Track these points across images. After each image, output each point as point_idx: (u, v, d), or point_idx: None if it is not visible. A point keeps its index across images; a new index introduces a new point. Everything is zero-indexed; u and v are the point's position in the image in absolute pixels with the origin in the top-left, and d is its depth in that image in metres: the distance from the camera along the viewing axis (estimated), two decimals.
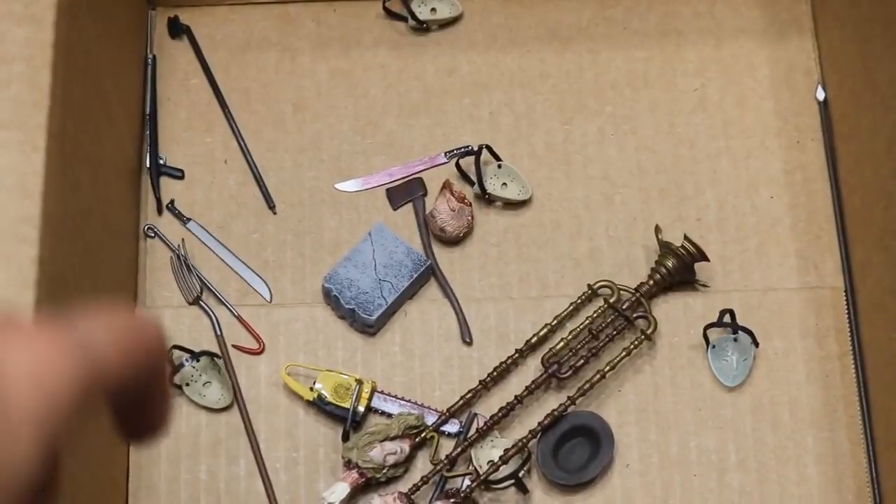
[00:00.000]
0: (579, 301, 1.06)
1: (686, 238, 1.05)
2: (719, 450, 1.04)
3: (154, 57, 1.15)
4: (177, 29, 1.16)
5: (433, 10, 1.15)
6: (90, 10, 0.95)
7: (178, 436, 1.04)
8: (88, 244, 0.96)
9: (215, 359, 1.04)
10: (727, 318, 1.05)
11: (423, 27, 1.16)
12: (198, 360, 1.03)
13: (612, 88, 1.15)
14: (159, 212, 1.10)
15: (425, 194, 1.11)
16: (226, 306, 1.07)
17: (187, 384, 1.03)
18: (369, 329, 1.06)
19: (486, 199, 1.10)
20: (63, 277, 0.86)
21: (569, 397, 1.02)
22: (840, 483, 1.03)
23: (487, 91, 1.15)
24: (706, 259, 1.05)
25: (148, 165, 1.12)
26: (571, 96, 1.15)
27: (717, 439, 1.04)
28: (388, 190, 1.12)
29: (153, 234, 1.09)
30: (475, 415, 1.04)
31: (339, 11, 1.17)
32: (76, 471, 0.89)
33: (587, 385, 1.03)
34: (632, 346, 1.04)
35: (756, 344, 1.05)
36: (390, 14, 1.16)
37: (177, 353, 1.03)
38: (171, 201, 1.11)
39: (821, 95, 1.14)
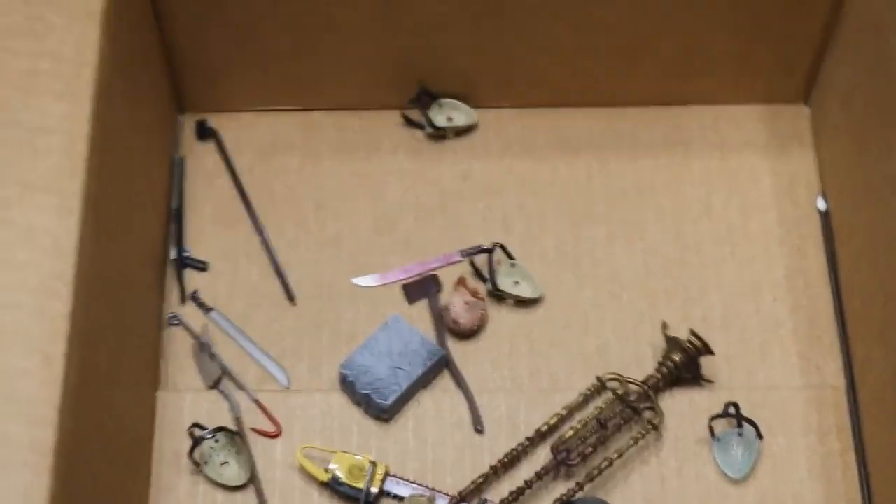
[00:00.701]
0: (588, 393, 1.08)
1: (692, 332, 1.08)
2: None
3: (182, 157, 1.19)
4: (205, 132, 1.20)
5: (450, 118, 1.20)
6: (123, 105, 0.99)
7: None
8: (117, 321, 0.98)
9: (234, 438, 1.06)
10: (732, 410, 1.06)
11: (440, 134, 1.20)
12: (216, 439, 1.05)
13: (621, 195, 1.18)
14: (182, 301, 1.13)
15: (440, 290, 1.14)
16: (244, 391, 1.10)
17: (206, 462, 1.05)
18: (383, 415, 1.08)
19: (498, 295, 1.13)
20: (92, 335, 0.88)
21: (577, 483, 1.04)
22: None
23: (501, 195, 1.18)
24: (711, 353, 1.08)
25: (173, 257, 1.15)
26: (581, 202, 1.18)
27: None
28: (404, 285, 1.14)
29: (177, 322, 1.12)
30: (485, 500, 1.05)
31: (360, 119, 1.21)
32: None
33: (595, 472, 1.04)
34: (639, 436, 1.06)
35: (760, 437, 1.06)
36: (409, 122, 1.20)
37: (197, 430, 1.05)
38: (195, 291, 1.14)
39: (822, 205, 1.17)
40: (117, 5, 0.96)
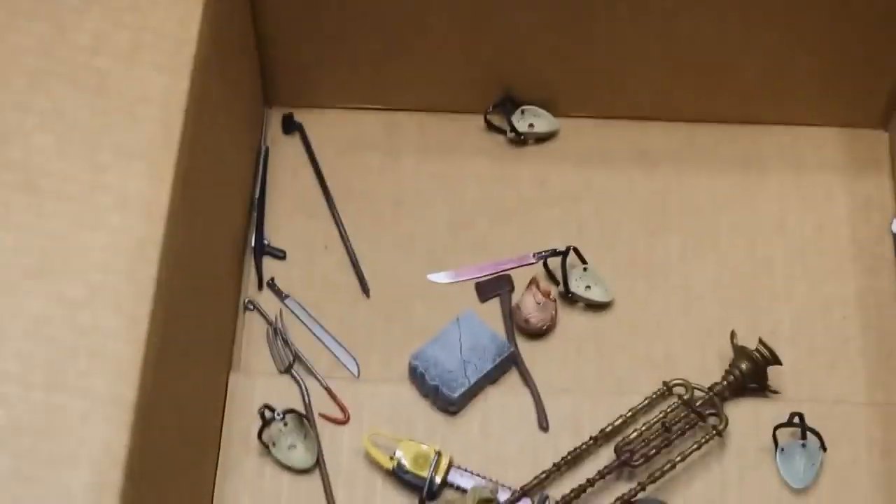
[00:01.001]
0: (654, 396, 1.09)
1: (761, 341, 1.09)
2: None
3: (267, 148, 1.21)
4: (290, 126, 1.23)
5: (531, 125, 1.21)
6: (217, 87, 1.01)
7: (261, 494, 1.07)
8: (197, 298, 1.00)
9: (302, 421, 1.07)
10: (797, 420, 1.07)
11: (520, 140, 1.22)
12: (285, 422, 1.07)
13: (696, 209, 1.20)
14: (259, 287, 1.16)
15: (512, 290, 1.16)
16: (315, 377, 1.11)
17: (274, 444, 1.07)
18: (451, 408, 1.10)
19: (569, 298, 1.15)
20: (175, 304, 0.90)
21: (639, 483, 1.05)
22: None
23: (577, 202, 1.20)
24: (779, 363, 1.08)
25: (253, 244, 1.17)
26: (656, 213, 1.19)
27: None
28: (477, 283, 1.16)
29: (252, 308, 1.15)
30: (547, 496, 1.06)
31: (442, 121, 1.23)
32: None
33: (658, 474, 1.05)
34: (702, 441, 1.06)
35: (824, 448, 1.07)
36: (491, 126, 1.22)
37: (267, 412, 1.07)
38: (272, 279, 1.16)
39: None
40: None
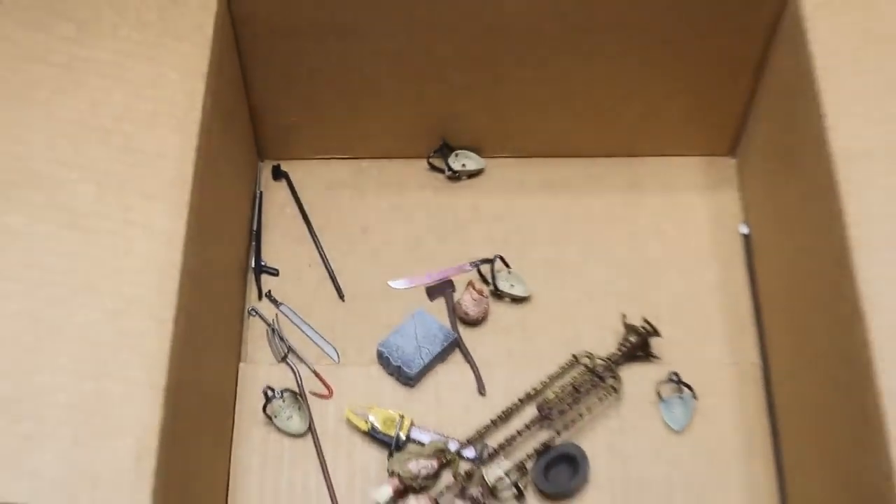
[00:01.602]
0: (566, 366, 1.10)
1: (644, 320, 1.11)
2: (667, 476, 1.06)
3: (261, 192, 1.22)
4: (279, 174, 1.23)
5: (464, 164, 1.22)
6: (219, 144, 1.01)
7: (267, 454, 1.07)
8: (211, 306, 1.01)
9: (297, 397, 1.08)
10: (674, 378, 1.09)
11: (456, 177, 1.22)
12: (283, 399, 1.08)
13: (592, 223, 1.20)
14: (259, 298, 1.16)
15: (454, 291, 1.16)
16: (305, 364, 1.12)
17: (275, 416, 1.07)
18: (410, 382, 1.10)
19: (498, 294, 1.15)
20: (194, 311, 0.91)
21: (556, 431, 1.06)
22: (757, 500, 1.05)
23: (501, 222, 1.20)
24: (659, 335, 1.10)
25: (253, 266, 1.18)
26: (562, 227, 1.20)
27: (666, 469, 1.06)
28: (427, 287, 1.17)
29: (254, 314, 1.15)
30: (486, 444, 1.07)
31: (395, 165, 1.23)
32: (192, 474, 0.93)
33: (570, 424, 1.07)
34: (604, 397, 1.08)
35: (696, 398, 1.08)
36: (433, 167, 1.23)
37: (269, 391, 1.08)
38: (269, 291, 1.16)
39: (744, 230, 1.19)
40: (217, 69, 0.99)
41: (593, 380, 1.09)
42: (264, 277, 1.18)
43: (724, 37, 1.08)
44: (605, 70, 1.13)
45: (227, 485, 1.06)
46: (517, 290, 1.16)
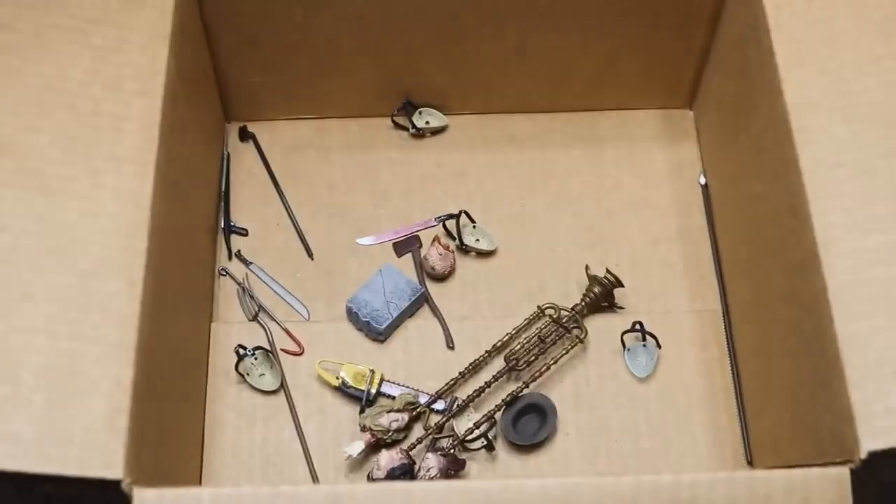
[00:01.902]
0: (532, 318, 1.11)
1: (608, 270, 1.11)
2: (633, 423, 1.07)
3: (229, 153, 1.22)
4: (245, 135, 1.23)
5: (427, 122, 1.22)
6: (184, 106, 1.01)
7: (240, 412, 1.07)
8: (181, 266, 1.01)
9: (269, 355, 1.08)
10: (638, 327, 1.09)
11: (419, 134, 1.22)
12: (255, 357, 1.08)
13: (555, 176, 1.21)
14: (230, 258, 1.16)
15: (420, 246, 1.17)
16: (276, 322, 1.12)
17: (248, 374, 1.08)
18: (379, 337, 1.11)
19: (464, 249, 1.16)
20: (163, 271, 0.90)
21: (524, 382, 1.07)
22: (722, 445, 1.06)
23: (465, 178, 1.20)
24: (622, 286, 1.11)
25: (222, 226, 1.17)
26: (526, 181, 1.20)
27: (632, 416, 1.07)
28: (394, 243, 1.17)
29: (224, 274, 1.15)
30: (456, 397, 1.08)
31: (360, 124, 1.23)
32: (166, 432, 0.93)
33: (537, 374, 1.07)
34: (570, 347, 1.08)
35: (659, 346, 1.09)
36: (397, 125, 1.23)
37: (241, 350, 1.08)
38: (238, 251, 1.16)
39: (702, 181, 1.20)
40: (181, 32, 0.98)
41: (559, 331, 1.10)
42: (234, 237, 1.18)
43: None
44: (562, 26, 1.13)
45: (203, 442, 1.06)
46: (482, 245, 1.16)
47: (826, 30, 0.95)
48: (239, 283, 1.15)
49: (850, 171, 0.89)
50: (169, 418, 0.95)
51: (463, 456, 1.05)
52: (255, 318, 1.13)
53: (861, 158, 0.89)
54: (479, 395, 1.07)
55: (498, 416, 1.06)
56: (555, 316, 1.10)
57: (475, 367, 1.09)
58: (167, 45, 0.95)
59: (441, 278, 1.15)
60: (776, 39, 0.95)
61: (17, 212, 0.86)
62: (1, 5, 0.93)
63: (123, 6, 0.95)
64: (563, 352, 1.09)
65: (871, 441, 0.79)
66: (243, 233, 1.18)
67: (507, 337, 1.11)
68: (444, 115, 1.23)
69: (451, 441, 1.05)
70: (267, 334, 1.12)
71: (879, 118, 0.91)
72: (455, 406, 1.07)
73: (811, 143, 0.90)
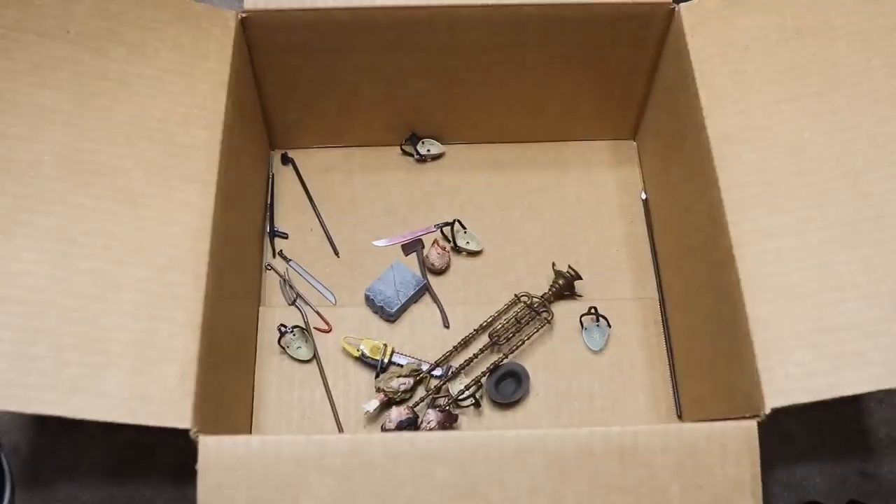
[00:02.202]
0: (510, 304, 1.11)
1: (570, 267, 1.11)
2: (589, 386, 1.07)
3: (273, 174, 1.22)
4: (286, 160, 1.22)
5: (428, 150, 1.21)
6: (239, 137, 1.02)
7: (282, 377, 1.07)
8: (235, 262, 1.02)
9: (304, 332, 1.09)
10: (593, 311, 1.10)
11: (422, 159, 1.22)
12: (293, 333, 1.08)
13: (528, 192, 1.20)
14: (273, 256, 1.16)
15: (423, 247, 1.17)
16: (310, 306, 1.12)
17: (287, 347, 1.08)
18: (391, 319, 1.11)
19: (457, 249, 1.16)
20: (222, 267, 0.91)
21: (504, 354, 1.07)
22: (658, 403, 1.06)
23: (458, 193, 1.20)
24: (581, 278, 1.11)
25: (268, 231, 1.18)
26: (506, 197, 1.20)
27: (588, 381, 1.07)
28: (402, 245, 1.17)
29: (270, 268, 1.15)
30: (451, 365, 1.08)
31: (375, 151, 1.23)
32: (224, 393, 0.93)
33: (514, 348, 1.08)
34: (540, 327, 1.09)
35: (609, 326, 1.10)
36: (404, 152, 1.22)
37: (282, 328, 1.08)
38: (281, 250, 1.16)
39: (643, 196, 1.19)
40: (236, 80, 0.99)
41: (531, 314, 1.10)
42: (277, 240, 1.18)
43: (625, 49, 1.09)
44: (533, 76, 1.13)
45: (252, 400, 1.07)
46: (472, 246, 1.16)
47: (738, 78, 0.95)
48: (281, 276, 1.15)
49: (758, 189, 0.89)
50: (226, 382, 0.95)
51: (456, 412, 1.05)
52: (293, 303, 1.13)
53: (767, 179, 0.90)
54: (468, 364, 1.08)
55: (484, 380, 1.06)
56: (528, 302, 1.10)
57: (466, 343, 1.09)
58: (225, 90, 0.96)
59: (439, 272, 1.15)
60: (700, 86, 0.95)
61: (110, 219, 0.86)
62: (94, 59, 0.93)
63: (192, 60, 0.96)
64: (535, 330, 1.09)
65: (773, 399, 0.80)
66: (284, 236, 1.18)
67: (490, 318, 1.11)
68: (442, 144, 1.23)
69: (446, 400, 1.05)
70: (303, 316, 1.12)
71: (781, 148, 0.91)
72: (450, 373, 1.07)
73: (728, 167, 0.91)
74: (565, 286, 1.11)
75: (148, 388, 0.80)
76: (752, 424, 0.80)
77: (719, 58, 0.97)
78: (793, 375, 0.80)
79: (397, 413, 1.02)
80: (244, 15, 1.01)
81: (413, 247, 1.17)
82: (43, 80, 0.91)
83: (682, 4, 1.01)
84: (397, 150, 1.23)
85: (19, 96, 0.90)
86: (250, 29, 1.03)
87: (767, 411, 0.79)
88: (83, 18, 0.94)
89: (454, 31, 1.06)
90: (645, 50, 1.09)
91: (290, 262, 1.16)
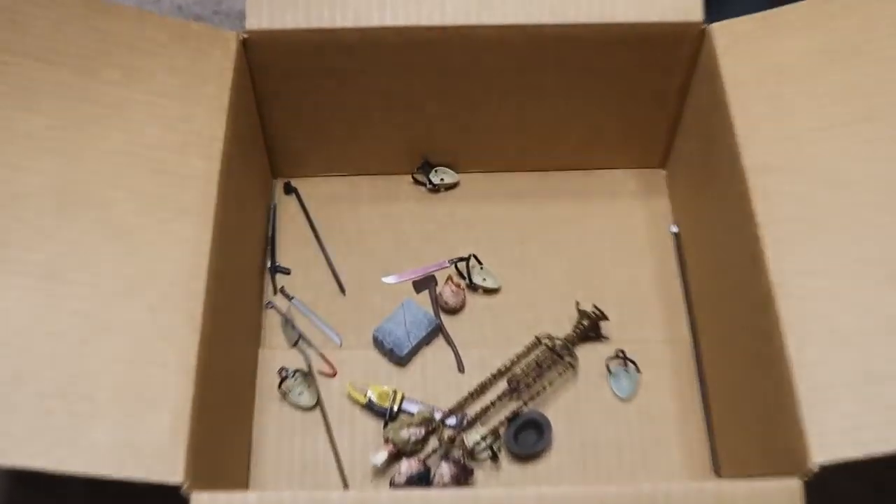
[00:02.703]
0: (530, 346, 1.10)
1: (594, 306, 1.11)
2: (617, 438, 1.06)
3: (275, 204, 1.21)
4: (289, 189, 1.23)
5: (442, 179, 1.21)
6: (238, 166, 1.01)
7: (282, 425, 1.07)
8: (234, 300, 1.01)
9: (307, 376, 1.08)
10: (620, 354, 1.09)
11: (435, 189, 1.22)
12: (295, 378, 1.08)
13: (549, 226, 1.20)
14: (275, 293, 1.16)
15: (436, 284, 1.16)
16: (313, 348, 1.12)
17: (289, 392, 1.07)
18: (401, 362, 1.10)
19: (472, 287, 1.15)
20: (218, 305, 0.90)
21: (524, 402, 1.06)
22: (693, 457, 1.05)
23: (474, 227, 1.20)
24: (606, 318, 1.10)
25: (269, 266, 1.17)
26: (525, 229, 1.19)
27: (616, 432, 1.06)
28: (414, 282, 1.16)
29: (271, 307, 1.15)
30: (466, 414, 1.07)
31: (385, 180, 1.23)
32: (220, 442, 0.93)
33: (535, 395, 1.07)
34: (562, 372, 1.08)
35: (639, 371, 1.09)
36: (416, 181, 1.22)
37: (283, 371, 1.07)
38: (282, 287, 1.16)
39: (674, 230, 1.19)
40: (236, 105, 0.99)
41: (553, 357, 1.09)
42: (278, 276, 1.17)
43: (652, 72, 1.09)
44: (554, 100, 1.13)
45: (250, 451, 1.06)
46: (489, 283, 1.16)
47: (776, 103, 0.95)
48: (282, 315, 1.14)
49: (799, 224, 0.89)
50: (222, 430, 0.95)
51: (471, 465, 1.04)
52: (295, 345, 1.12)
53: (807, 213, 0.89)
54: (485, 413, 1.07)
55: (502, 430, 1.06)
56: (550, 345, 1.10)
57: (482, 388, 1.09)
58: (225, 116, 0.96)
59: (454, 312, 1.15)
60: (734, 111, 0.95)
61: (99, 255, 0.86)
62: (85, 83, 0.93)
63: (189, 84, 0.96)
64: (557, 375, 1.08)
65: (820, 455, 0.78)
66: (286, 272, 1.17)
67: (509, 362, 1.10)
68: (457, 173, 1.23)
69: (461, 452, 1.04)
70: (305, 359, 1.11)
71: (822, 178, 0.90)
72: (465, 421, 1.07)
73: (765, 199, 0.90)
74: (590, 327, 1.11)
75: (137, 438, 0.79)
76: (797, 483, 0.78)
77: (755, 81, 0.96)
78: (841, 428, 0.79)
79: (407, 466, 1.02)
80: (246, 36, 1.02)
81: (425, 284, 1.17)
82: (30, 105, 0.91)
83: (713, 24, 1.01)
84: (408, 178, 1.23)
85: (5, 122, 0.90)
86: (252, 51, 1.03)
87: (814, 468, 0.78)
88: (74, 40, 0.94)
89: (469, 53, 1.06)
90: (674, 73, 1.09)
91: (293, 300, 1.15)
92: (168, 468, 0.79)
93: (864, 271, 0.86)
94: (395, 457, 1.04)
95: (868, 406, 0.80)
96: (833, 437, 0.79)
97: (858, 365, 0.82)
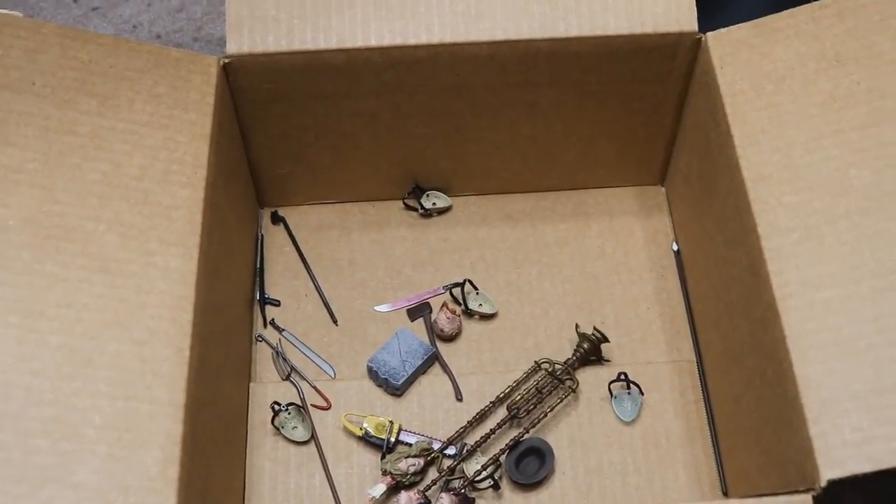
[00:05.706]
0: (530, 371, 1.11)
1: (594, 328, 1.11)
2: (622, 462, 1.06)
3: (262, 234, 1.22)
4: (277, 219, 1.23)
5: (434, 203, 1.22)
6: (223, 195, 1.02)
7: (276, 460, 1.07)
8: (222, 334, 1.01)
9: (300, 410, 1.09)
10: (623, 377, 1.09)
11: (427, 214, 1.23)
12: (288, 412, 1.08)
13: (546, 247, 1.21)
14: (265, 326, 1.16)
15: (431, 311, 1.17)
16: (306, 381, 1.12)
17: (282, 426, 1.08)
18: (397, 392, 1.11)
19: (468, 313, 1.16)
20: (207, 339, 0.91)
21: (525, 428, 1.07)
22: (700, 478, 1.05)
23: (468, 251, 1.20)
24: (608, 341, 1.11)
25: (258, 298, 1.18)
26: (521, 252, 1.20)
27: (620, 456, 1.07)
28: (408, 310, 1.17)
29: (261, 340, 1.15)
30: (465, 443, 1.08)
31: (375, 206, 1.24)
32: (212, 479, 0.93)
33: (536, 421, 1.07)
34: (563, 397, 1.09)
35: (642, 393, 1.09)
36: (407, 206, 1.23)
37: (276, 406, 1.08)
38: (272, 319, 1.17)
39: (675, 247, 1.20)
40: (219, 132, 1.00)
41: (554, 382, 1.09)
42: (268, 308, 1.18)
43: (647, 85, 1.10)
44: (547, 118, 1.14)
45: (244, 488, 1.06)
46: (485, 308, 1.16)
47: (774, 114, 0.96)
48: (273, 348, 1.15)
49: (800, 235, 0.90)
50: (214, 467, 0.95)
51: (472, 495, 1.04)
52: (287, 378, 1.12)
53: (810, 223, 0.90)
54: (485, 441, 1.07)
55: (502, 458, 1.06)
56: (550, 369, 1.10)
57: (481, 416, 1.09)
58: (208, 143, 0.97)
59: (450, 339, 1.15)
60: (733, 123, 0.96)
61: (81, 289, 0.87)
62: (63, 112, 0.94)
63: (170, 111, 0.97)
64: (558, 400, 1.09)
65: (829, 470, 0.79)
66: (276, 304, 1.18)
67: (508, 389, 1.10)
68: (449, 196, 1.24)
69: (461, 482, 1.04)
70: (298, 392, 1.11)
71: (823, 188, 0.91)
72: (464, 451, 1.07)
73: (766, 211, 0.91)
74: (591, 350, 1.11)
75: (126, 477, 0.80)
76: (807, 499, 0.79)
77: (752, 91, 0.98)
78: (850, 442, 0.80)
79: (406, 498, 1.02)
80: (227, 60, 1.03)
81: (420, 311, 1.17)
82: (6, 137, 0.92)
83: (709, 33, 1.02)
84: (399, 204, 1.24)
85: None
86: (234, 75, 1.05)
87: (823, 484, 0.79)
88: (50, 69, 0.95)
89: (458, 71, 1.07)
90: (670, 85, 1.10)
91: (284, 333, 1.16)
92: None
93: (868, 280, 0.86)
94: (393, 489, 1.05)
95: (877, 419, 0.80)
96: (842, 452, 0.79)
97: (865, 377, 0.82)
